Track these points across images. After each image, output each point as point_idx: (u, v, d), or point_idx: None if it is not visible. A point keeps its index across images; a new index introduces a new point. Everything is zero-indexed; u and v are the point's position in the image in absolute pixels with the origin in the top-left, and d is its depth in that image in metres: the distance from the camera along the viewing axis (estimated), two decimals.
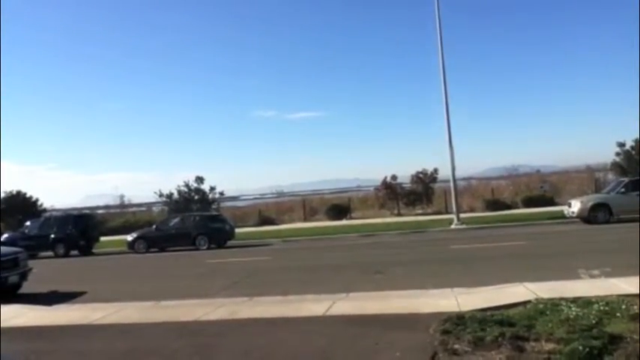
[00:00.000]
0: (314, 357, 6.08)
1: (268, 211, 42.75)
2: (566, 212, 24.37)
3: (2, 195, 38.59)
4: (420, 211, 37.69)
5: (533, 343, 5.67)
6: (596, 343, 5.34)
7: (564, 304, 7.12)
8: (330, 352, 6.21)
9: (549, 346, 5.54)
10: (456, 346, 5.79)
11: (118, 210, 48.47)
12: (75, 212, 37.95)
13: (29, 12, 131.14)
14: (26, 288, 13.36)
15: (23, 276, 13.23)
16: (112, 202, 51.75)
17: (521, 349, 5.52)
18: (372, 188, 42.96)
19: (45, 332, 8.31)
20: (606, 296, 7.39)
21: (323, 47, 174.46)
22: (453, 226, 26.29)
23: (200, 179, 39.84)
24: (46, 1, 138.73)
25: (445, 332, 6.29)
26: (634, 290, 7.71)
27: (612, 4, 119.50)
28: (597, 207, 23.11)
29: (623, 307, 6.75)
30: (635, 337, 5.55)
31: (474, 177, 55.50)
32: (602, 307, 6.78)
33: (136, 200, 53.12)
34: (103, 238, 29.64)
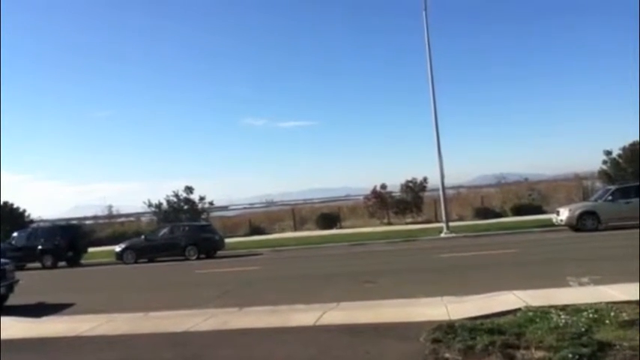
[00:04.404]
0: None
1: (258, 221, 42.63)
2: (554, 220, 24.53)
3: None
4: (409, 220, 37.76)
5: (523, 351, 5.69)
6: (585, 350, 5.37)
7: (554, 311, 7.16)
8: None
9: (539, 353, 5.56)
10: (447, 355, 5.80)
11: (106, 220, 48.06)
12: (62, 223, 37.47)
13: (16, 20, 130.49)
14: (13, 300, 13.20)
15: (10, 288, 13.08)
16: (100, 212, 51.22)
17: (512, 357, 5.54)
18: (361, 197, 42.97)
19: (33, 344, 8.21)
20: (595, 304, 7.43)
21: (313, 56, 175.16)
22: (442, 235, 26.36)
23: (189, 189, 39.75)
24: (32, 9, 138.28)
25: (436, 341, 6.30)
26: (623, 297, 7.77)
27: (603, 12, 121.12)
28: (585, 215, 23.29)
29: (612, 314, 6.80)
30: (625, 344, 5.59)
31: (464, 185, 55.60)
32: (591, 315, 6.82)
33: (124, 210, 52.68)
34: (91, 249, 29.40)
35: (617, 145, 35.69)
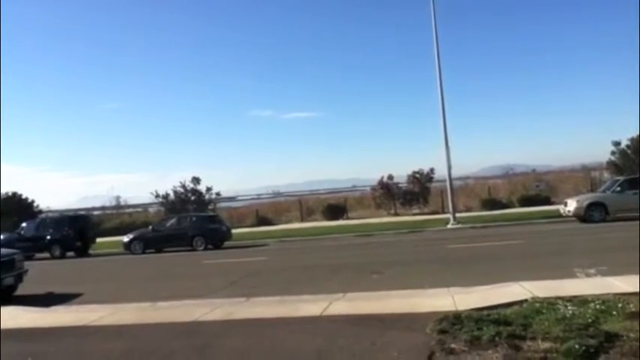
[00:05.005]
0: (311, 357, 6.09)
1: (265, 212, 42.73)
2: (562, 211, 24.43)
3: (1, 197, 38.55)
4: (416, 211, 37.73)
5: (529, 342, 5.69)
6: (592, 341, 5.36)
7: (560, 302, 7.14)
8: (327, 352, 6.21)
9: (546, 344, 5.55)
10: (453, 346, 5.80)
11: (114, 211, 48.36)
12: (71, 213, 37.74)
13: (23, 12, 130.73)
14: (22, 289, 13.32)
15: (19, 277, 13.19)
16: (108, 203, 51.59)
17: (518, 348, 5.54)
18: (368, 188, 42.97)
19: (42, 334, 8.29)
20: (602, 295, 7.42)
21: (320, 47, 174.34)
22: (449, 226, 26.34)
23: (196, 180, 39.86)
24: (39, 1, 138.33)
25: (442, 332, 6.31)
26: (630, 289, 7.74)
27: (609, 4, 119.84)
28: (593, 206, 23.17)
29: (619, 305, 6.78)
30: (632, 335, 5.58)
31: (471, 176, 55.62)
32: (598, 306, 6.81)
33: (132, 201, 53.06)
34: (99, 240, 29.56)
35: (625, 135, 35.55)
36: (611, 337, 5.53)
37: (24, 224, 28.60)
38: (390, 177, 39.06)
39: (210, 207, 39.50)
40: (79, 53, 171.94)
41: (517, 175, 48.82)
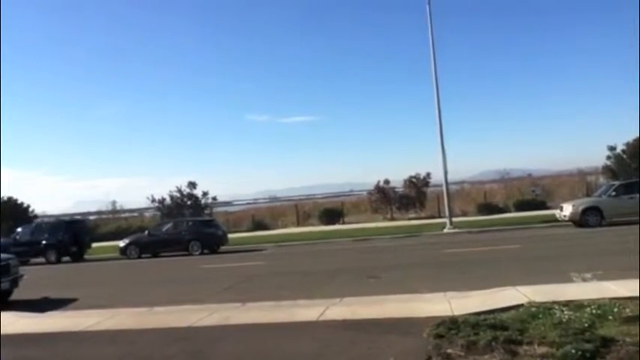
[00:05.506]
0: None
1: (261, 216, 42.70)
2: (558, 216, 24.49)
3: None
4: (412, 216, 37.77)
5: (526, 347, 5.69)
6: (588, 346, 5.37)
7: (557, 307, 7.15)
8: (323, 357, 6.21)
9: (542, 349, 5.56)
10: (450, 351, 5.80)
11: (110, 216, 48.18)
12: (66, 218, 37.57)
13: (19, 14, 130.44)
14: (18, 295, 13.26)
15: (14, 283, 13.13)
16: (104, 207, 51.37)
17: (514, 353, 5.54)
18: (364, 193, 43.00)
19: (38, 339, 8.25)
20: (598, 299, 7.42)
21: (317, 51, 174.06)
22: (445, 230, 26.37)
23: (192, 184, 39.86)
24: (36, 4, 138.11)
25: (438, 336, 6.31)
26: (626, 293, 7.76)
27: (605, 8, 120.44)
28: (589, 210, 23.23)
29: (615, 310, 6.79)
30: (628, 339, 5.58)
31: (467, 181, 55.58)
32: (594, 311, 6.82)
33: (128, 206, 52.78)
34: (94, 244, 29.47)
35: (621, 140, 35.66)
36: (607, 342, 5.53)
37: (19, 229, 28.45)
38: (387, 181, 39.11)
39: (206, 211, 39.48)
40: (75, 57, 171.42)
41: (513, 180, 48.83)
